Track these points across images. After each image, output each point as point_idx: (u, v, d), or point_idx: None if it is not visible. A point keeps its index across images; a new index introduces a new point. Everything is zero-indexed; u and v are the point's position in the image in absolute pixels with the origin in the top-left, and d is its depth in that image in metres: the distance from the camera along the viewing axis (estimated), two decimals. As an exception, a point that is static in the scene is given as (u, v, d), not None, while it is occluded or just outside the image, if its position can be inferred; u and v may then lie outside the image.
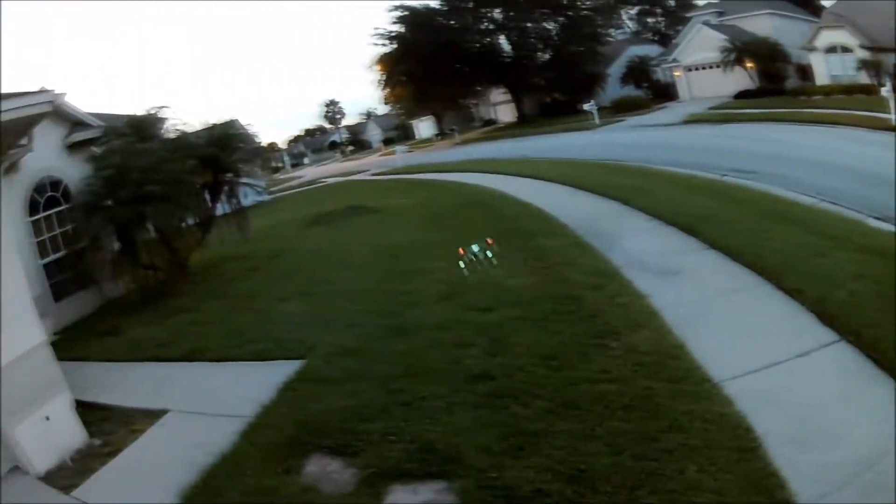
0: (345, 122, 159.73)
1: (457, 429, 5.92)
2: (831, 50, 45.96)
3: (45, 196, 16.53)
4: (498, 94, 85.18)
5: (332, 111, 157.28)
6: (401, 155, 56.66)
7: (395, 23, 75.70)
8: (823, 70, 47.19)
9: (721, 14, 61.14)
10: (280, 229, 23.25)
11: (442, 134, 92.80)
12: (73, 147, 17.75)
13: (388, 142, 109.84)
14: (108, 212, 14.99)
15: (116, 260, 15.86)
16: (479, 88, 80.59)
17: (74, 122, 17.97)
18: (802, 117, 30.75)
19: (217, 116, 20.50)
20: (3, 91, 8.70)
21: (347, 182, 45.28)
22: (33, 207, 16.17)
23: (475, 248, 11.09)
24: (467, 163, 35.91)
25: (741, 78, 51.62)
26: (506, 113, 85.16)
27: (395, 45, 76.06)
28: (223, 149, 17.97)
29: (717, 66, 54.01)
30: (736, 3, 61.62)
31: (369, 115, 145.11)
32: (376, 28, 77.57)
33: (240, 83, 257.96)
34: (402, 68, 75.65)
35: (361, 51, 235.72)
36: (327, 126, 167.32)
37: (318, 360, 8.45)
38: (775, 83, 49.41)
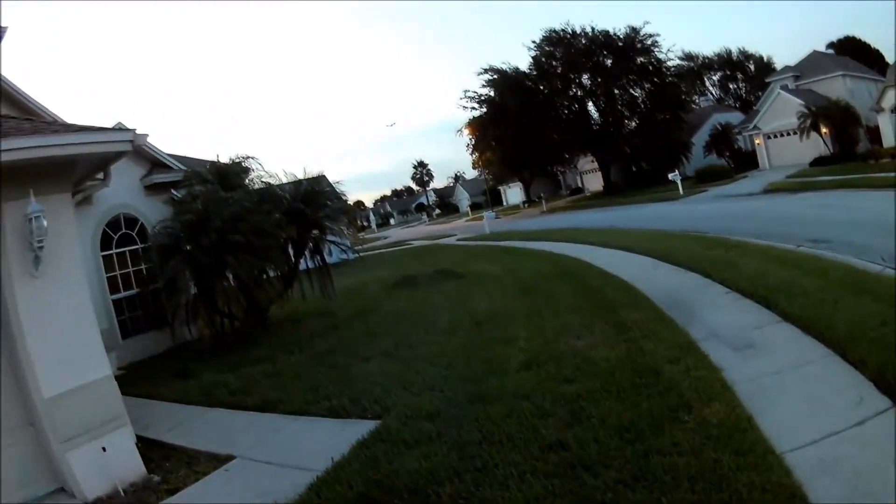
0: (433, 185, 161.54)
1: (527, 496, 6.05)
2: (896, 110, 45.92)
3: (119, 233, 17.11)
4: (585, 163, 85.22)
5: (421, 173, 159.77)
6: (488, 220, 56.87)
7: (484, 86, 76.46)
8: (890, 131, 47.06)
9: (798, 77, 61.25)
10: (364, 289, 23.65)
11: (529, 201, 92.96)
12: (152, 188, 18.34)
13: (475, 207, 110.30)
14: (187, 256, 15.31)
15: (192, 304, 16.20)
16: (567, 156, 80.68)
17: (154, 162, 18.61)
18: (871, 182, 31.27)
19: (305, 170, 20.72)
20: (84, 124, 9.16)
21: (434, 245, 45.67)
22: (105, 242, 16.76)
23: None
24: (554, 231, 36.35)
25: (817, 144, 51.84)
26: (593, 181, 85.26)
27: (484, 109, 76.70)
28: (309, 204, 18.25)
29: (795, 133, 54.20)
30: (811, 65, 61.79)
31: (458, 179, 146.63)
32: (466, 91, 78.42)
33: (329, 138, 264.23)
34: (492, 133, 76.31)
35: (453, 113, 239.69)
36: (415, 188, 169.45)
37: (395, 421, 8.66)
38: (848, 147, 49.36)
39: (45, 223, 7.74)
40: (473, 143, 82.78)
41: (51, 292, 8.14)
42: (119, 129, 10.97)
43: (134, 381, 13.62)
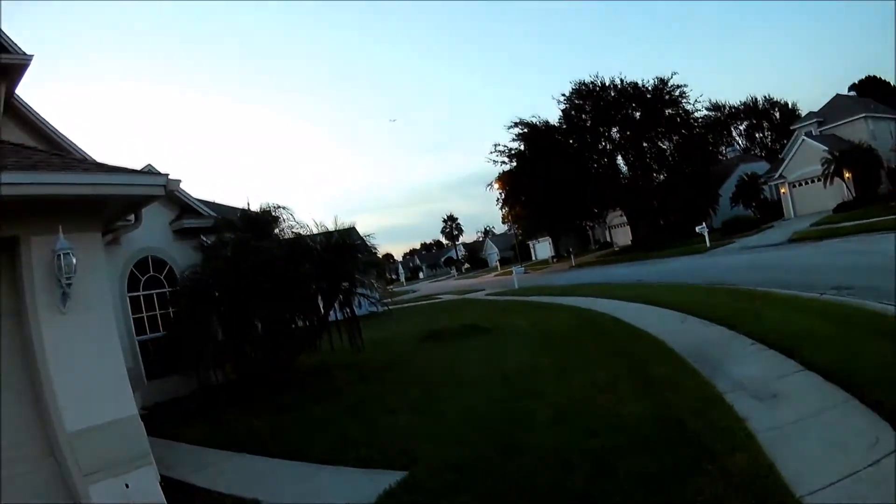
0: (462, 239, 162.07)
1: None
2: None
3: (147, 275, 17.28)
4: (614, 216, 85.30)
5: (451, 227, 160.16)
6: (517, 275, 56.95)
7: (514, 140, 76.98)
8: (909, 170, 47.42)
9: (822, 123, 61.85)
10: (392, 342, 23.64)
11: (558, 255, 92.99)
12: (182, 232, 18.56)
13: (504, 261, 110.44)
14: (216, 302, 15.40)
15: (219, 350, 16.32)
16: (596, 210, 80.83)
17: (185, 207, 18.86)
18: (893, 224, 31.90)
19: (336, 221, 20.75)
20: (116, 165, 9.33)
21: (462, 300, 45.75)
22: (132, 283, 16.92)
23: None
24: (582, 286, 36.51)
25: (840, 189, 52.50)
26: (621, 235, 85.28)
27: (514, 163, 77.11)
28: (340, 256, 18.33)
29: (819, 180, 55.00)
30: (834, 109, 62.41)
31: (487, 233, 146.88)
32: (497, 145, 78.97)
33: (360, 189, 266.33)
34: (522, 187, 76.61)
35: (483, 167, 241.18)
36: (445, 241, 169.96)
37: (423, 472, 8.63)
38: (869, 189, 49.61)
39: (73, 261, 7.88)
40: (503, 197, 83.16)
41: (78, 329, 8.26)
42: (152, 172, 11.15)
43: (158, 421, 13.71)
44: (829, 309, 14.76)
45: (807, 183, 59.77)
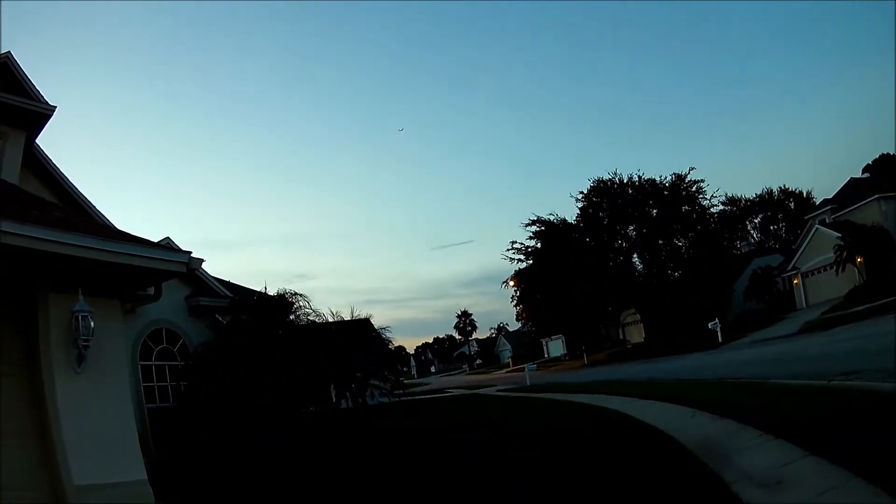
0: (476, 335, 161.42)
1: None
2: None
3: (160, 347, 17.38)
4: (627, 315, 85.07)
5: (464, 322, 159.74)
6: (529, 372, 56.77)
7: (531, 238, 77.43)
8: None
9: (836, 209, 62.00)
10: (400, 434, 23.48)
11: (571, 353, 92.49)
12: (197, 309, 18.72)
13: (517, 358, 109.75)
14: (229, 381, 15.45)
15: (228, 425, 16.30)
16: (610, 308, 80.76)
17: (201, 284, 19.07)
18: None
19: (353, 312, 20.97)
20: (140, 236, 9.56)
21: (473, 394, 45.56)
22: (145, 352, 17.00)
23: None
24: (593, 384, 36.23)
25: (852, 275, 52.41)
26: (634, 333, 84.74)
27: (531, 261, 77.44)
28: (355, 346, 18.42)
29: (832, 268, 54.97)
30: (848, 193, 62.62)
31: (500, 330, 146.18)
32: (514, 242, 79.41)
33: (376, 282, 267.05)
34: (537, 284, 76.78)
35: (500, 265, 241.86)
36: (458, 337, 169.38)
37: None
38: (881, 272, 49.26)
39: (92, 324, 8.09)
40: (518, 294, 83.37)
41: (91, 389, 8.45)
42: (175, 249, 11.49)
43: (167, 486, 13.71)
44: (836, 395, 14.85)
45: (820, 272, 60.10)
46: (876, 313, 34.09)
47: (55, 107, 14.86)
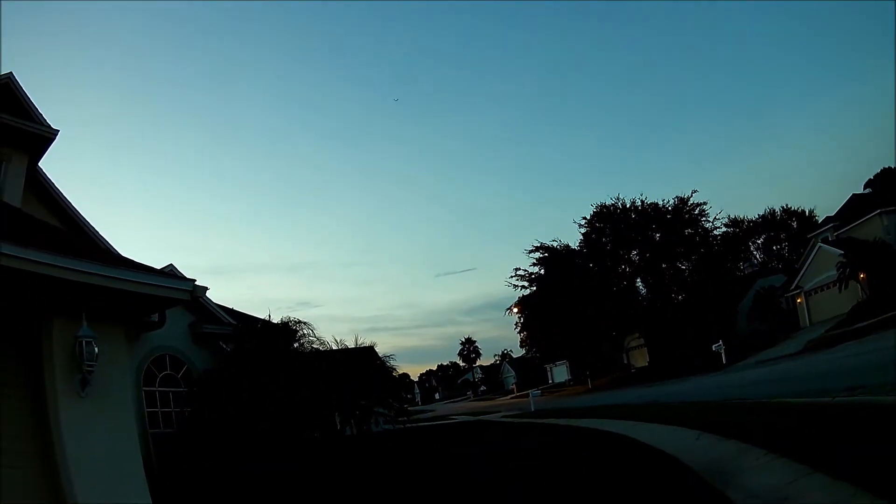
0: (480, 362, 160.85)
1: None
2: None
3: (164, 373, 17.35)
4: (631, 339, 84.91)
5: (468, 349, 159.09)
6: (533, 398, 56.63)
7: (534, 264, 77.46)
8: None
9: (838, 226, 61.86)
10: (402, 462, 23.42)
11: (575, 379, 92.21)
12: (201, 336, 18.70)
13: (521, 384, 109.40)
14: (231, 407, 15.44)
15: (230, 450, 16.28)
16: (615, 333, 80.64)
17: (205, 311, 19.04)
18: None
19: (357, 339, 20.90)
20: (144, 264, 9.59)
21: (476, 421, 45.45)
22: (149, 378, 16.96)
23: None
24: (597, 408, 36.32)
25: (855, 291, 52.35)
26: (638, 357, 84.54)
27: (534, 288, 77.40)
28: (358, 374, 18.39)
29: (835, 285, 54.77)
30: (850, 210, 62.70)
31: (505, 357, 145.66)
32: (517, 269, 79.38)
33: (378, 309, 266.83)
34: (541, 310, 76.71)
35: (502, 292, 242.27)
36: (462, 364, 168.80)
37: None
38: (884, 286, 48.93)
39: (95, 349, 8.11)
40: (522, 321, 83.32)
41: (95, 414, 8.45)
42: (179, 277, 11.48)
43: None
44: (839, 411, 14.88)
45: (823, 290, 60.13)
46: (879, 328, 34.15)
47: (57, 131, 14.92)
